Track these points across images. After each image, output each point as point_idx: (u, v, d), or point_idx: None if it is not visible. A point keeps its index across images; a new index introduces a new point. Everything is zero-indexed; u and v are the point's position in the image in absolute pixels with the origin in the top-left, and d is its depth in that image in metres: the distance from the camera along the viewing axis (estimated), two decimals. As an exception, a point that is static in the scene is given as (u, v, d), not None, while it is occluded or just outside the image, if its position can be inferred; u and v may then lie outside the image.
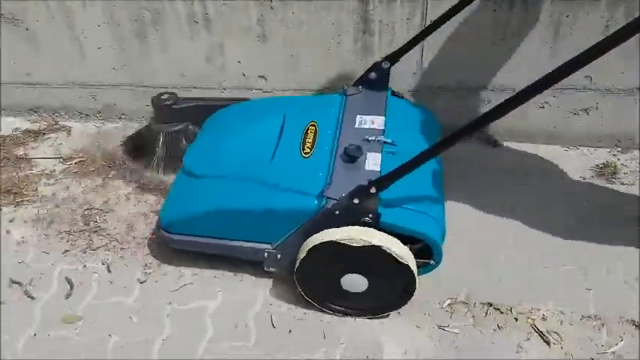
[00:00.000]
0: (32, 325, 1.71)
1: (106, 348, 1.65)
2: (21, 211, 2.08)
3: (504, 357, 1.62)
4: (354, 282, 1.64)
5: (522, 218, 1.99)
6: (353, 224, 1.58)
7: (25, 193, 2.16)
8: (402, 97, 2.07)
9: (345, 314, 1.72)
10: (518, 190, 2.11)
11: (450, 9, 1.82)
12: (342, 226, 1.58)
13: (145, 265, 1.88)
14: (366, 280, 1.63)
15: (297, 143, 1.80)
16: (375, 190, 1.53)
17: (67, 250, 1.93)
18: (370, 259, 1.56)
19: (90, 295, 1.79)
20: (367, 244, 1.53)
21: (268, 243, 1.71)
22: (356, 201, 1.55)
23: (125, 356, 1.64)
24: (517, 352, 1.63)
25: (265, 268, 1.76)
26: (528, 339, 1.66)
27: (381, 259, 1.55)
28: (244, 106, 2.13)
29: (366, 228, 1.56)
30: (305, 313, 1.74)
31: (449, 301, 1.76)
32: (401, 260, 1.54)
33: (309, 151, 1.76)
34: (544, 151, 2.30)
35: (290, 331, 1.70)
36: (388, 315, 1.72)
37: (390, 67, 1.95)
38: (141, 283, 1.82)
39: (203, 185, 1.80)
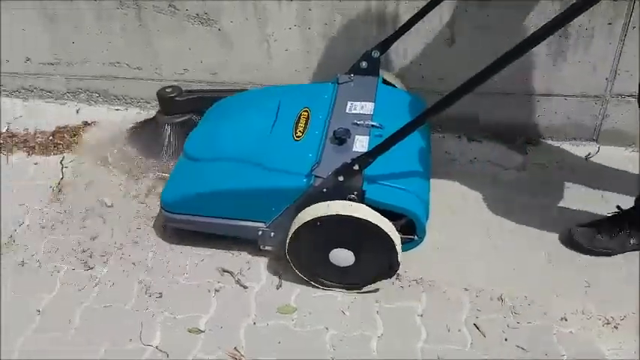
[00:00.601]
0: (250, 314, 1.79)
1: (325, 340, 1.70)
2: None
3: None
4: (342, 256, 1.73)
5: None
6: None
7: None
8: (393, 85, 2.15)
9: (335, 288, 1.82)
10: None
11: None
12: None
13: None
14: (352, 254, 1.72)
15: (289, 127, 1.91)
16: (358, 167, 1.63)
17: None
18: (354, 233, 1.66)
19: (298, 288, 1.85)
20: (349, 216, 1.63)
21: (262, 222, 1.81)
22: (341, 178, 1.65)
23: (346, 350, 1.68)
24: None
25: (261, 247, 1.87)
26: None
27: (365, 233, 1.65)
28: (243, 95, 2.25)
29: (347, 202, 1.67)
30: (518, 323, 1.72)
31: (666, 315, 1.71)
32: (384, 231, 1.63)
33: (300, 134, 1.88)
34: None
35: (505, 339, 1.69)
36: (377, 290, 1.80)
37: (380, 56, 2.04)
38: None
39: (201, 167, 1.93)
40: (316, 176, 1.70)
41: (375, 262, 1.73)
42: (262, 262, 1.94)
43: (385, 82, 2.13)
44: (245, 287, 1.86)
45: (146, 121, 2.46)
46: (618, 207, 1.92)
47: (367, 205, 1.67)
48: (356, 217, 1.63)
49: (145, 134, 2.39)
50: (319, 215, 1.65)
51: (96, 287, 1.88)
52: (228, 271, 1.91)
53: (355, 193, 1.66)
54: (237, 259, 1.96)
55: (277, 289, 1.85)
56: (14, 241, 2.05)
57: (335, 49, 2.31)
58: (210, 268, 1.93)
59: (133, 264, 1.95)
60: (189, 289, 1.87)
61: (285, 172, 1.76)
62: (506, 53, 1.39)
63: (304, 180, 1.72)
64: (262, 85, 2.47)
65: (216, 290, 1.86)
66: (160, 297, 1.84)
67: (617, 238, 1.86)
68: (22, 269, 1.95)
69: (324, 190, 1.68)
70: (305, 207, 1.70)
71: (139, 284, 1.89)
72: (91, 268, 1.94)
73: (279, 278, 1.88)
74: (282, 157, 1.81)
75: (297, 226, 1.69)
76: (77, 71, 2.63)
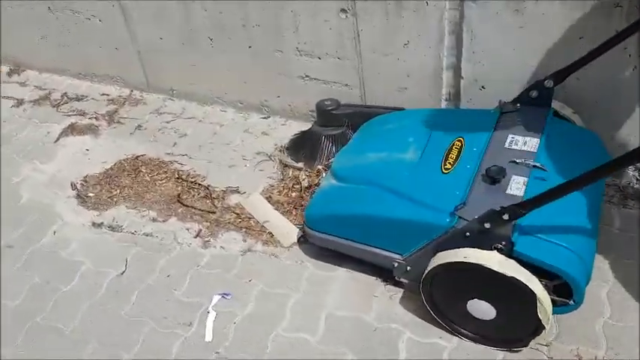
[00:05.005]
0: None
1: None
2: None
3: None
4: (481, 308, 1.61)
5: None
6: (483, 248, 1.54)
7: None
8: (566, 119, 1.92)
9: (470, 339, 1.70)
10: None
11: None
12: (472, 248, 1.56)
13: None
14: (493, 308, 1.60)
15: (439, 157, 1.80)
16: (507, 218, 1.48)
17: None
18: (499, 287, 1.53)
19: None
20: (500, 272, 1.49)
21: (399, 253, 1.74)
22: (487, 225, 1.52)
23: None
24: None
25: (396, 278, 1.81)
26: None
27: (512, 290, 1.51)
28: (396, 116, 2.17)
29: (502, 256, 1.52)
30: None
31: None
32: (537, 298, 1.49)
33: (450, 167, 1.76)
34: None
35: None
36: (520, 350, 1.65)
37: (553, 87, 1.82)
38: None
39: (346, 189, 1.90)
40: (460, 217, 1.58)
41: (517, 321, 1.59)
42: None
43: (558, 116, 1.91)
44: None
45: (304, 132, 2.49)
46: None
47: (515, 258, 1.52)
48: (502, 274, 1.49)
49: (302, 143, 2.44)
50: (458, 261, 1.54)
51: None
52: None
53: (503, 243, 1.53)
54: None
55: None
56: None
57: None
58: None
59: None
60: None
61: (428, 206, 1.66)
62: None
63: (447, 219, 1.61)
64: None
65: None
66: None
67: None
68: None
69: (467, 234, 1.56)
70: (445, 248, 1.60)
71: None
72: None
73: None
74: (426, 190, 1.72)
75: (433, 267, 1.60)
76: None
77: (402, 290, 1.87)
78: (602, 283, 1.80)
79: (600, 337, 1.68)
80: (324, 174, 2.28)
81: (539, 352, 1.65)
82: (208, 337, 1.82)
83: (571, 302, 1.56)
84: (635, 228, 1.95)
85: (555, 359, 1.64)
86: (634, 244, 1.91)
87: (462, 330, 1.70)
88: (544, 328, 1.54)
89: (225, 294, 1.94)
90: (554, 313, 1.55)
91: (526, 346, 1.63)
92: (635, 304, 1.75)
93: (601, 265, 1.83)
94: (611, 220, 1.97)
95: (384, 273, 1.89)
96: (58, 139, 2.74)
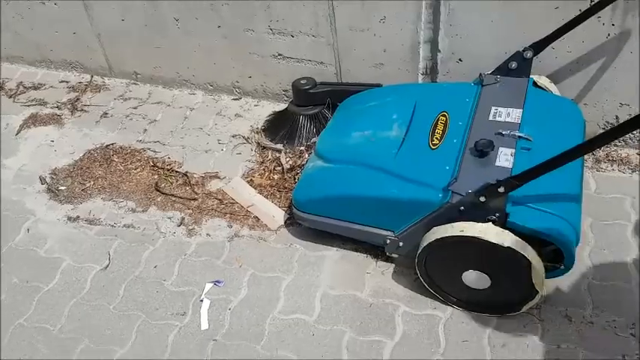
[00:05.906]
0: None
1: None
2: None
3: None
4: (476, 278, 1.65)
5: None
6: (477, 221, 1.57)
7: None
8: (544, 89, 1.97)
9: (465, 308, 1.75)
10: None
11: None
12: (466, 221, 1.58)
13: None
14: (488, 278, 1.64)
15: (425, 133, 1.81)
16: (503, 190, 1.50)
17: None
18: (496, 258, 1.55)
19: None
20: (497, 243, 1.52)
21: (391, 230, 1.76)
22: (482, 199, 1.54)
23: None
24: None
25: (387, 253, 1.83)
26: None
27: (508, 260, 1.54)
28: (376, 93, 2.16)
29: (498, 228, 1.54)
30: None
31: None
32: (532, 265, 1.53)
33: (437, 142, 1.77)
34: None
35: None
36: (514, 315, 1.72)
37: (533, 57, 1.87)
38: None
39: (333, 170, 1.88)
40: (453, 192, 1.59)
41: (512, 288, 1.63)
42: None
43: (536, 86, 1.95)
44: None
45: (280, 112, 2.45)
46: None
47: (509, 229, 1.55)
48: (499, 245, 1.51)
49: (279, 124, 2.40)
50: (455, 235, 1.56)
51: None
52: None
53: (497, 215, 1.55)
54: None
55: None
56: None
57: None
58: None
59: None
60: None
61: (419, 183, 1.67)
62: None
63: (439, 195, 1.62)
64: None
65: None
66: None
67: None
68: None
69: (462, 208, 1.58)
70: (439, 223, 1.62)
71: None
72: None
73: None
74: (416, 167, 1.72)
75: (429, 242, 1.61)
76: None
77: (393, 265, 1.90)
78: (584, 245, 1.88)
79: (586, 297, 1.76)
80: (306, 155, 2.26)
81: (531, 315, 1.72)
82: (204, 326, 1.81)
83: (561, 266, 1.62)
84: (610, 190, 2.04)
85: (546, 321, 1.71)
86: (610, 206, 1.99)
87: (457, 300, 1.74)
88: (538, 293, 1.60)
89: (217, 281, 1.91)
90: (546, 277, 1.60)
91: (519, 311, 1.69)
92: (616, 263, 1.83)
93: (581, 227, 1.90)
94: (586, 184, 2.05)
95: (374, 250, 1.92)
96: (19, 131, 2.62)
